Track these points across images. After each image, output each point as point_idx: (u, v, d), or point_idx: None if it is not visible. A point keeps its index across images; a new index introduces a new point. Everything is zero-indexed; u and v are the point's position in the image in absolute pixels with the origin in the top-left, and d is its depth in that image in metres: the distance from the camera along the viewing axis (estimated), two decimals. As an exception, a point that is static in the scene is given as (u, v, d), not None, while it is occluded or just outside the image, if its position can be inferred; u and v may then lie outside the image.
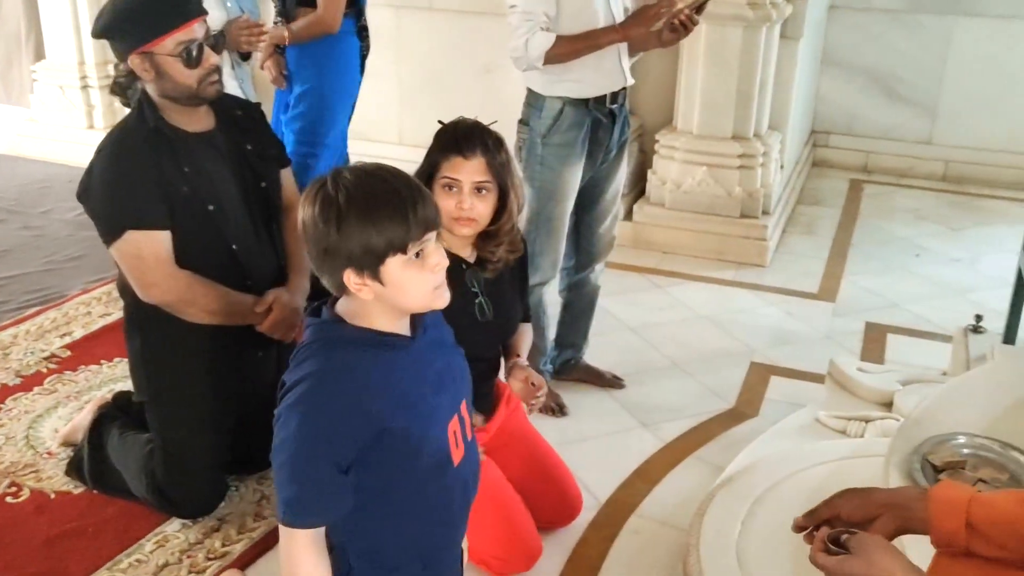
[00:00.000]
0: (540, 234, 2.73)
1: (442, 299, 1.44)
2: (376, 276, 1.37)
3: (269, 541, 2.35)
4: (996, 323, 2.72)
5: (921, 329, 3.54)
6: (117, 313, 3.27)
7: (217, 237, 2.26)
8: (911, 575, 1.19)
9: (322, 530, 1.44)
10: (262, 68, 3.49)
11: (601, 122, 2.73)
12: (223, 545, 2.34)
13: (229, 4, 3.03)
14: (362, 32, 3.52)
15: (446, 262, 1.43)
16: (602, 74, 2.69)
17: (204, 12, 2.23)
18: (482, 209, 2.05)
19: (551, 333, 3.00)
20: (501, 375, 2.33)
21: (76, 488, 2.53)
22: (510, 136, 2.43)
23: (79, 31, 5.07)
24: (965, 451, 1.81)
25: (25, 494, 2.50)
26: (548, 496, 2.37)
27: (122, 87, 2.27)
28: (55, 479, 2.57)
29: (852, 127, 5.32)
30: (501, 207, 2.08)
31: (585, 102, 2.68)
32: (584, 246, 2.94)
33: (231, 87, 2.95)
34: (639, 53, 2.86)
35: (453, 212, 2.03)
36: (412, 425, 1.43)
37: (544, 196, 2.70)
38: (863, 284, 3.92)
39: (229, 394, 2.38)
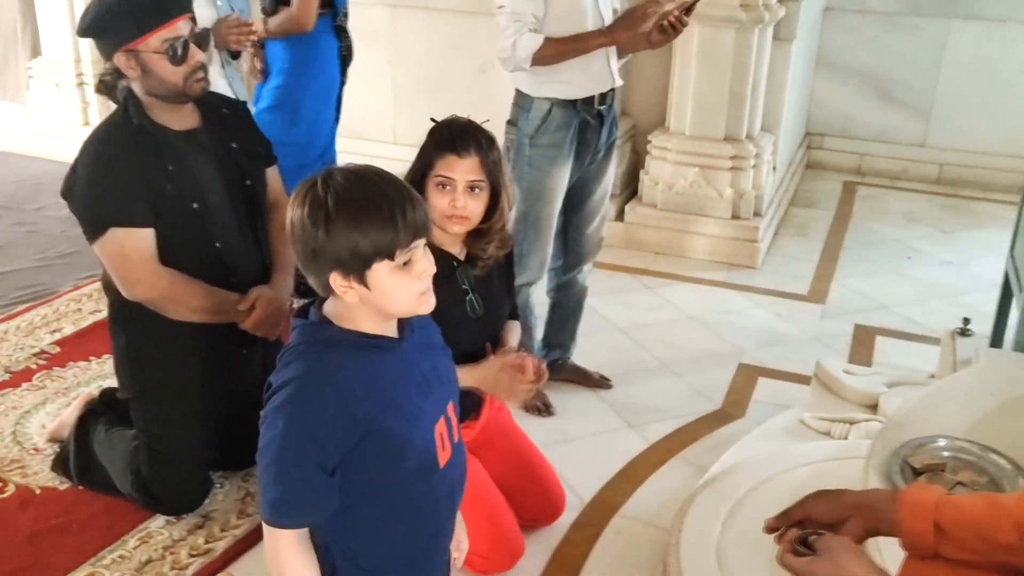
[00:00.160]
0: (527, 234, 2.74)
1: (427, 305, 1.44)
2: (362, 280, 1.37)
3: (252, 538, 2.35)
4: (985, 326, 2.72)
5: (910, 332, 3.54)
6: (107, 310, 3.27)
7: (201, 235, 2.26)
8: (875, 576, 1.19)
9: (306, 529, 1.45)
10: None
11: (589, 123, 2.73)
12: (206, 542, 2.34)
13: (219, 2, 3.02)
14: (340, 31, 3.53)
15: (433, 269, 1.43)
16: (590, 75, 2.69)
17: (189, 9, 2.24)
18: (475, 208, 2.06)
19: (539, 333, 3.01)
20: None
21: (62, 484, 2.54)
22: (502, 136, 2.44)
23: (75, 28, 5.07)
24: (945, 454, 1.81)
25: (10, 490, 2.51)
26: (531, 495, 2.38)
27: (108, 86, 2.28)
28: (41, 475, 2.57)
29: (847, 129, 5.33)
30: (492, 205, 2.09)
31: (573, 103, 2.69)
32: (572, 247, 2.95)
33: (220, 86, 2.95)
34: (629, 55, 2.86)
35: (446, 210, 2.03)
36: (398, 427, 1.43)
37: (531, 197, 2.71)
38: (853, 286, 3.93)
39: (214, 391, 2.38)
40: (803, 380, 3.04)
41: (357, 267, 1.36)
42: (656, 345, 3.38)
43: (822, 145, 5.39)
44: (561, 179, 2.74)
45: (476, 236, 2.12)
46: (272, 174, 2.47)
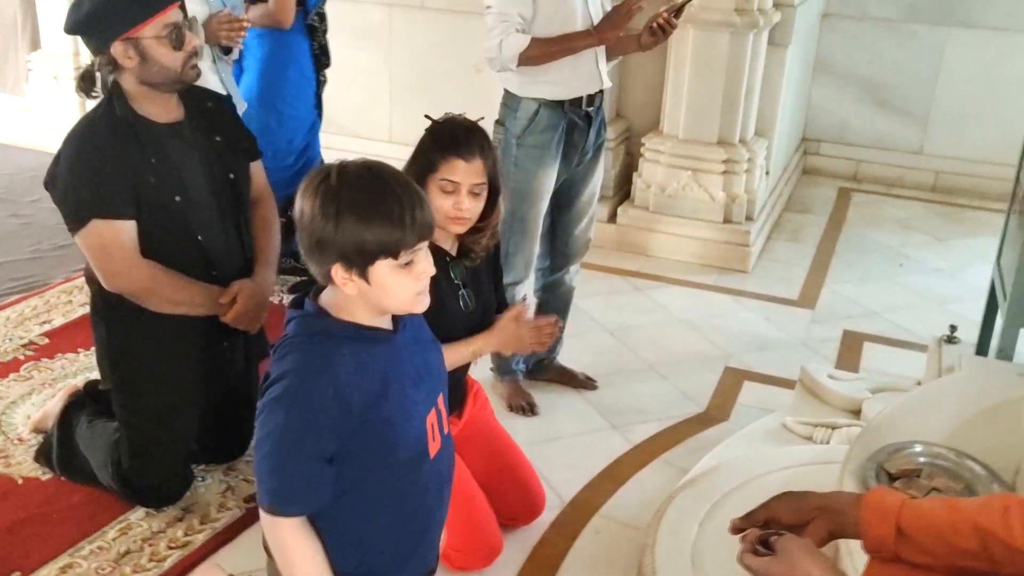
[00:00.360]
0: (514, 234, 2.74)
1: (422, 305, 1.48)
2: (363, 275, 1.41)
3: (232, 531, 2.36)
4: (973, 334, 2.72)
5: (898, 338, 3.54)
6: (89, 301, 3.28)
7: (183, 228, 2.27)
8: (830, 576, 1.20)
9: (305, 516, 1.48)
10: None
11: (577, 124, 2.74)
12: (185, 535, 2.35)
13: (211, -1, 3.04)
14: (311, 30, 3.55)
15: (432, 271, 1.47)
16: (579, 76, 2.70)
17: None
18: (477, 209, 2.09)
19: (525, 333, 3.00)
20: (472, 372, 2.35)
21: (44, 474, 2.55)
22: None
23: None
24: (921, 459, 1.81)
25: (-8, 479, 2.52)
26: (511, 493, 2.38)
27: (88, 83, 2.28)
28: (24, 465, 2.58)
29: (843, 135, 5.32)
30: (490, 203, 2.11)
31: (561, 104, 2.69)
32: (559, 247, 2.95)
33: (212, 81, 2.96)
34: (619, 56, 2.86)
35: (449, 212, 2.05)
36: (393, 417, 1.47)
37: (518, 197, 2.71)
38: (844, 292, 3.92)
39: (195, 384, 2.39)
40: (789, 385, 3.04)
41: (360, 262, 1.40)
42: (644, 347, 3.38)
43: (818, 151, 5.39)
44: (548, 180, 2.74)
45: (472, 231, 2.15)
46: (256, 168, 2.47)
